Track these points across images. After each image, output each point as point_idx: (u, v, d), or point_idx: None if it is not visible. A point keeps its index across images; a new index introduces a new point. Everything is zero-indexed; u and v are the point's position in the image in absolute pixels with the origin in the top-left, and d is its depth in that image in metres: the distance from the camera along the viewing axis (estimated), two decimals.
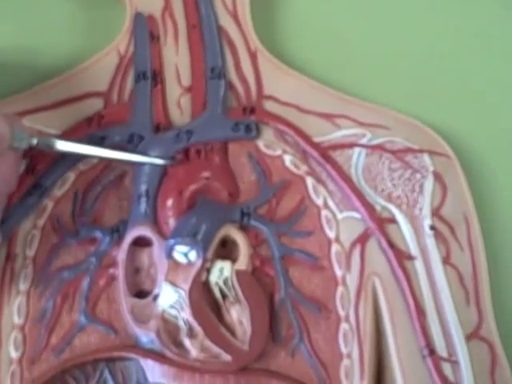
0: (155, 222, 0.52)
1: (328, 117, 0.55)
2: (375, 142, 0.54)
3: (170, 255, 0.51)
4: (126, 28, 0.56)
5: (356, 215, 0.53)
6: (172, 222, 0.52)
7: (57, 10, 0.59)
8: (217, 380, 0.50)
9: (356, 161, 0.54)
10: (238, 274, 0.51)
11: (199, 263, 0.50)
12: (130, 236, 0.52)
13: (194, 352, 0.50)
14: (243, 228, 0.53)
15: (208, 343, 0.50)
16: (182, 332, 0.50)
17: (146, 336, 0.50)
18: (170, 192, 0.52)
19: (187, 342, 0.50)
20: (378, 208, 0.53)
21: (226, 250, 0.52)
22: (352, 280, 0.52)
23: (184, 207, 0.52)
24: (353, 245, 0.52)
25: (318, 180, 0.54)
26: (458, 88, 0.58)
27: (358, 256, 0.52)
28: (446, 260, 0.52)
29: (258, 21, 0.57)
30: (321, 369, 0.51)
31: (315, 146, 0.54)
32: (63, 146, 0.51)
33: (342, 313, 0.52)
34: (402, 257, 0.52)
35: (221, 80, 0.55)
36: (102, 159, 0.53)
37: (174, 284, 0.51)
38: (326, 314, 0.52)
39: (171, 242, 0.50)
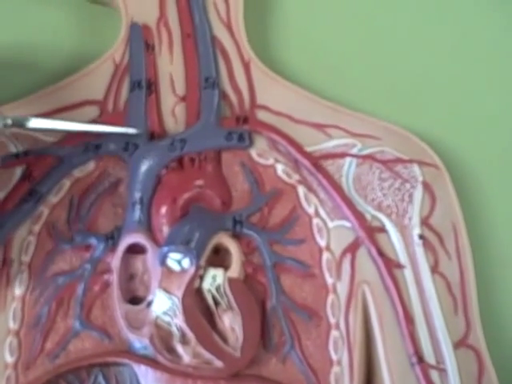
0: (149, 230, 0.53)
1: (320, 127, 0.55)
2: (366, 152, 0.55)
3: (163, 262, 0.51)
4: (121, 37, 0.57)
5: (346, 224, 0.54)
6: (166, 230, 0.52)
7: (53, 19, 0.59)
8: None
9: (347, 170, 0.55)
10: (231, 281, 0.52)
11: (192, 270, 0.51)
12: (125, 243, 0.53)
13: (186, 358, 0.51)
14: (236, 236, 0.53)
15: (200, 349, 0.51)
16: (175, 338, 0.51)
17: (140, 342, 0.51)
18: (163, 200, 0.53)
19: (180, 348, 0.51)
20: (368, 217, 0.54)
21: (219, 258, 0.53)
22: (342, 288, 0.53)
23: (178, 215, 0.53)
24: (343, 253, 0.53)
25: (310, 189, 0.54)
26: (448, 99, 0.59)
27: (348, 264, 0.53)
28: (435, 269, 0.53)
29: (251, 31, 0.58)
30: (311, 375, 0.51)
31: (307, 155, 0.55)
32: (36, 123, 0.52)
33: (332, 320, 0.52)
34: (391, 265, 0.53)
35: (214, 89, 0.56)
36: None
37: (167, 291, 0.51)
38: (316, 322, 0.52)
39: (165, 249, 0.51)
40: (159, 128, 0.55)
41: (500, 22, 0.61)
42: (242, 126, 0.55)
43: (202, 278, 0.52)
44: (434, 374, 0.51)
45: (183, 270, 0.51)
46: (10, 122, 0.51)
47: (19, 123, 0.52)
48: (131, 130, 0.54)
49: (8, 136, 0.54)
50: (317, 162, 0.55)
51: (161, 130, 0.55)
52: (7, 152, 0.54)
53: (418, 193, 0.54)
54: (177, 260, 0.51)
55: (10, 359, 0.51)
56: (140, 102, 0.55)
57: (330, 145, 0.55)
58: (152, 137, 0.55)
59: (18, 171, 0.54)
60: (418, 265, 0.53)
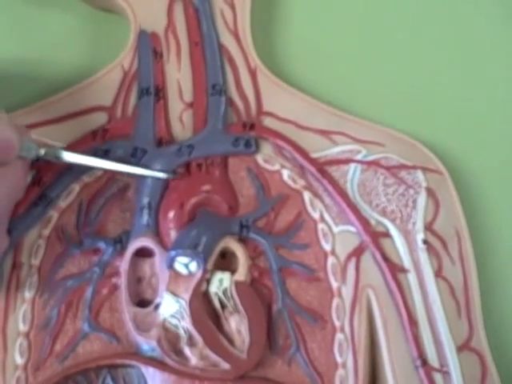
0: (157, 234, 0.54)
1: (325, 133, 0.56)
2: (370, 158, 0.56)
3: (171, 266, 0.52)
4: (130, 45, 0.57)
5: (351, 229, 0.54)
6: (173, 234, 0.53)
7: (63, 27, 0.60)
8: None
9: (352, 176, 0.55)
10: (237, 284, 0.53)
11: (199, 274, 0.52)
12: (133, 247, 0.53)
13: (193, 360, 0.51)
14: (242, 240, 0.54)
15: (207, 352, 0.51)
16: (183, 340, 0.52)
17: (148, 344, 0.52)
18: (171, 204, 0.54)
19: (187, 351, 0.52)
20: (372, 222, 0.54)
21: (226, 262, 0.54)
22: (347, 292, 0.53)
23: (185, 219, 0.54)
24: (348, 257, 0.54)
25: (315, 194, 0.55)
26: (451, 106, 0.60)
27: (353, 268, 0.54)
28: (438, 273, 0.54)
29: (257, 39, 0.58)
30: (316, 378, 0.52)
31: (312, 161, 0.55)
32: (69, 157, 0.53)
33: (337, 323, 0.53)
34: (395, 270, 0.53)
35: (221, 96, 0.56)
36: (105, 171, 0.55)
37: (174, 294, 0.52)
38: (321, 325, 0.53)
39: (173, 253, 0.52)
40: (167, 134, 0.56)
41: (506, 32, 0.61)
42: (249, 133, 0.56)
43: (208, 281, 0.53)
44: (438, 377, 0.52)
45: (190, 274, 0.52)
46: (42, 152, 0.52)
47: (52, 154, 0.53)
48: (160, 175, 0.54)
49: None
50: (322, 167, 0.55)
51: (168, 136, 0.56)
52: None
53: (422, 198, 0.55)
54: (184, 264, 0.52)
55: (20, 360, 0.52)
56: (148, 109, 0.56)
57: (335, 151, 0.56)
58: (160, 143, 0.56)
59: (29, 176, 0.54)
60: (422, 269, 0.54)
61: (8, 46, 0.60)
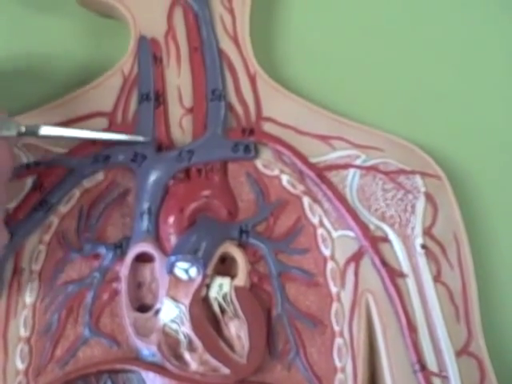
0: (157, 239, 0.54)
1: (324, 138, 0.56)
2: (369, 163, 0.56)
3: (171, 271, 0.52)
4: (130, 50, 0.58)
5: (350, 234, 0.55)
6: (173, 239, 0.54)
7: (63, 32, 0.61)
8: None
9: (351, 181, 0.56)
10: (237, 289, 0.53)
11: (199, 279, 0.52)
12: (133, 252, 0.54)
13: (193, 365, 0.52)
14: (242, 245, 0.54)
15: (207, 357, 0.51)
16: (183, 345, 0.52)
17: (148, 349, 0.52)
18: (171, 210, 0.54)
19: (187, 356, 0.52)
20: (371, 227, 0.55)
21: (225, 267, 0.54)
22: (346, 296, 0.54)
23: (185, 224, 0.54)
24: (347, 262, 0.54)
25: (314, 199, 0.55)
26: (450, 112, 0.60)
27: (352, 273, 0.54)
28: (437, 278, 0.54)
29: (257, 45, 0.59)
30: (316, 382, 0.52)
31: (311, 166, 0.56)
32: (47, 130, 0.53)
33: (336, 328, 0.53)
34: (394, 274, 0.54)
35: (221, 102, 0.57)
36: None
37: (174, 299, 0.52)
38: (321, 329, 0.53)
39: (173, 258, 0.52)
40: (167, 139, 0.56)
41: (506, 37, 0.61)
42: (248, 138, 0.56)
43: (208, 286, 0.53)
44: (437, 382, 0.52)
45: (190, 279, 0.52)
46: (23, 129, 0.52)
47: (31, 131, 0.53)
48: (139, 138, 0.55)
49: (19, 147, 0.55)
50: (321, 172, 0.56)
51: (168, 142, 0.56)
52: (19, 163, 0.55)
53: (421, 203, 0.55)
54: (184, 269, 0.52)
55: (21, 366, 0.52)
56: (148, 114, 0.56)
57: (334, 156, 0.56)
58: (160, 148, 0.56)
59: (29, 181, 0.55)
60: (421, 274, 0.54)
61: (8, 52, 0.60)
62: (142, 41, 0.58)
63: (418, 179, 0.56)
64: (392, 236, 0.54)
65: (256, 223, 0.55)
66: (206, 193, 0.55)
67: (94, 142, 0.56)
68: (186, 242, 0.53)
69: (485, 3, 0.62)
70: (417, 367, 0.52)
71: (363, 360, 0.53)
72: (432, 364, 0.52)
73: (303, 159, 0.56)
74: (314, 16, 0.62)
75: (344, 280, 0.54)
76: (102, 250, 0.54)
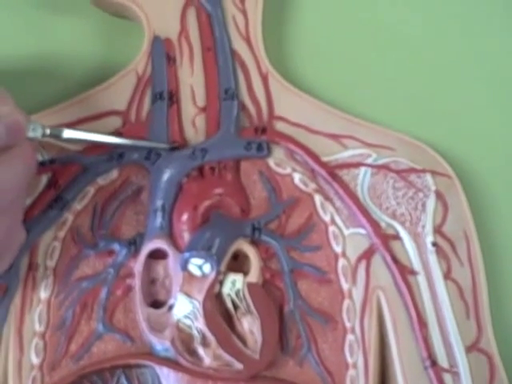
0: (170, 236, 0.54)
1: (336, 137, 0.57)
2: (380, 162, 0.57)
3: (185, 267, 0.53)
4: (144, 50, 0.58)
5: (362, 231, 0.55)
6: (187, 236, 0.54)
7: (78, 32, 0.61)
8: None
9: (362, 179, 0.56)
10: (250, 286, 0.53)
11: (213, 275, 0.53)
12: (147, 248, 0.54)
13: (207, 360, 0.52)
14: (254, 242, 0.55)
15: (220, 352, 0.52)
16: (196, 341, 0.52)
17: (161, 344, 0.53)
18: (185, 207, 0.55)
19: (201, 351, 0.52)
20: (382, 225, 0.55)
21: (238, 263, 0.54)
22: (358, 293, 0.54)
23: (198, 222, 0.54)
24: (358, 260, 0.55)
25: (326, 197, 0.56)
26: (460, 110, 0.60)
27: (363, 270, 0.54)
28: (447, 275, 0.54)
29: (269, 44, 0.59)
30: (327, 377, 0.53)
31: (323, 165, 0.56)
32: (70, 134, 0.54)
33: (348, 324, 0.54)
34: (405, 272, 0.54)
35: (234, 101, 0.57)
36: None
37: (188, 295, 0.53)
38: (332, 326, 0.54)
39: (187, 255, 0.53)
40: (180, 138, 0.57)
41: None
42: (261, 137, 0.57)
43: (221, 282, 0.53)
44: (447, 378, 0.53)
45: (204, 275, 0.53)
46: (48, 131, 0.53)
47: (55, 134, 0.53)
48: (160, 145, 0.56)
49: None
50: (333, 171, 0.56)
51: (182, 140, 0.57)
52: None
53: (431, 201, 0.56)
54: (198, 265, 0.53)
55: (35, 360, 0.53)
56: (162, 113, 0.57)
57: (345, 155, 0.57)
58: (173, 146, 0.56)
59: (44, 179, 0.56)
60: (431, 271, 0.54)
61: (23, 51, 0.60)
62: (156, 41, 0.58)
63: (429, 178, 0.56)
64: (403, 234, 0.55)
65: (268, 221, 0.55)
66: (219, 191, 0.55)
67: None
68: (199, 238, 0.53)
69: (498, 11, 0.62)
70: (427, 363, 0.53)
71: (374, 356, 0.53)
72: (442, 360, 0.53)
73: (315, 158, 0.56)
74: (325, 16, 0.62)
75: (355, 277, 0.54)
76: (116, 247, 0.55)
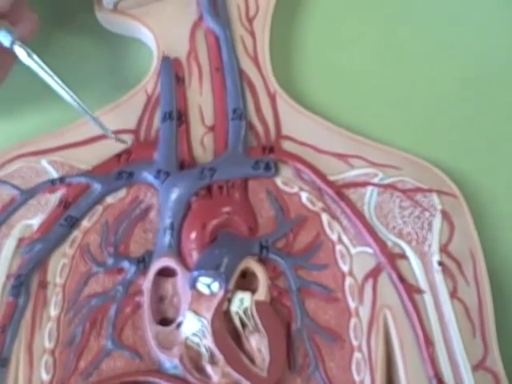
0: (179, 254, 0.55)
1: (342, 157, 0.58)
2: (387, 181, 0.57)
3: (193, 286, 0.53)
4: (153, 70, 0.59)
5: (368, 250, 0.56)
6: (195, 254, 0.54)
7: (90, 51, 0.62)
8: None
9: (369, 199, 0.57)
10: (257, 304, 0.54)
11: (221, 294, 0.53)
12: (156, 266, 0.55)
13: (215, 378, 0.52)
14: (262, 261, 0.55)
15: (229, 370, 0.52)
16: (204, 358, 0.53)
17: (170, 361, 0.53)
18: (193, 225, 0.55)
19: (209, 368, 0.52)
20: (389, 244, 0.55)
21: (246, 281, 0.55)
22: (365, 312, 0.54)
23: (207, 240, 0.55)
24: (365, 278, 0.55)
25: (333, 216, 0.56)
26: (466, 130, 0.61)
27: (370, 289, 0.55)
28: (454, 294, 0.55)
29: (276, 65, 0.60)
30: None
31: (330, 184, 0.57)
32: (37, 60, 0.55)
33: (355, 343, 0.54)
34: (411, 290, 0.54)
35: (242, 120, 0.58)
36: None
37: (197, 313, 0.53)
38: (340, 344, 0.54)
39: (195, 273, 0.53)
40: (189, 157, 0.57)
41: None
42: (268, 156, 0.57)
43: (230, 300, 0.54)
44: None
45: (212, 294, 0.53)
46: (18, 44, 0.54)
47: (25, 50, 0.54)
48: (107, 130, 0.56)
49: (48, 162, 0.56)
50: (340, 190, 0.57)
51: (190, 159, 0.57)
52: (45, 179, 0.56)
53: (437, 221, 0.56)
54: (206, 284, 0.53)
55: (45, 377, 0.53)
56: (171, 132, 0.58)
57: (352, 174, 0.57)
58: (182, 165, 0.57)
59: (54, 197, 0.56)
60: (438, 290, 0.55)
61: (30, 70, 0.61)
62: (165, 61, 0.59)
63: (435, 197, 0.57)
64: (409, 253, 0.55)
65: (276, 239, 0.56)
66: (227, 209, 0.56)
67: (118, 158, 0.57)
68: (208, 257, 0.54)
69: (504, 30, 0.63)
70: (434, 382, 0.53)
71: (381, 374, 0.53)
72: (449, 379, 0.53)
73: (322, 177, 0.57)
74: (332, 36, 0.63)
75: (362, 295, 0.55)
76: (126, 264, 0.55)
